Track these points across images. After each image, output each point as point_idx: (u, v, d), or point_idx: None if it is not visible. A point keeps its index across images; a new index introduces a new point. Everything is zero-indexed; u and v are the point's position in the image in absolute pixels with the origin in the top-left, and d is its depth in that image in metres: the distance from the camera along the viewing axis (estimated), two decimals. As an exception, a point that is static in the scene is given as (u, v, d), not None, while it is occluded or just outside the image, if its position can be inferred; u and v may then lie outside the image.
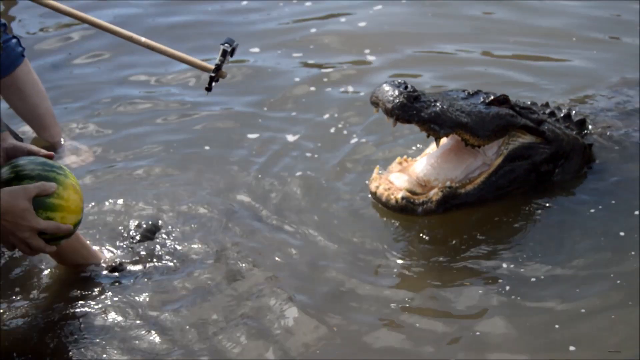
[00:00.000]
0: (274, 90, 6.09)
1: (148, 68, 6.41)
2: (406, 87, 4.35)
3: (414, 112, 4.34)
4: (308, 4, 7.71)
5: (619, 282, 4.07)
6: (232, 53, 3.95)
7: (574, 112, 5.11)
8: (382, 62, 6.52)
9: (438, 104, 4.41)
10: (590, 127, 5.09)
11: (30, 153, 3.38)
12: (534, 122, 4.75)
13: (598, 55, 6.69)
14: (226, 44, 3.94)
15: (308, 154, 5.22)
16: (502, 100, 4.68)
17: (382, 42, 6.86)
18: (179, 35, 7.03)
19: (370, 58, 6.65)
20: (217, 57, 3.94)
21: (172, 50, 3.98)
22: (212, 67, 3.96)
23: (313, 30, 7.10)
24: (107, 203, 4.58)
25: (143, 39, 3.96)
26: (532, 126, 4.73)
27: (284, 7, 7.63)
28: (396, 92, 4.33)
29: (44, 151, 3.41)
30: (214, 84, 3.98)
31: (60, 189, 3.25)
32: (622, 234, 4.41)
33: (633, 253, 4.25)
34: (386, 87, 4.37)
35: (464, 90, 4.74)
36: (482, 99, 4.65)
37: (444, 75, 6.28)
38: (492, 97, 4.65)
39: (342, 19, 7.29)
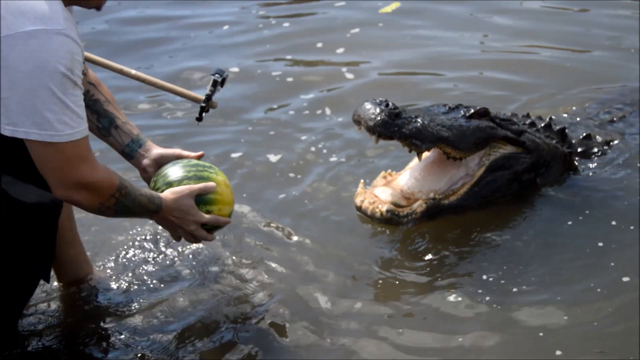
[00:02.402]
0: (255, 112, 6.31)
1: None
2: (387, 105, 4.56)
3: (395, 128, 4.55)
4: (286, 24, 7.93)
5: (599, 290, 4.23)
6: (222, 83, 4.11)
7: (554, 122, 5.31)
8: (362, 82, 6.76)
9: (419, 120, 4.62)
10: (570, 136, 5.29)
11: (180, 157, 3.82)
12: (514, 133, 4.96)
13: (576, 62, 6.96)
14: (216, 75, 4.09)
15: (291, 174, 5.41)
16: (482, 113, 4.88)
17: (360, 64, 7.10)
18: (149, 52, 7.27)
19: (349, 75, 6.89)
20: (208, 88, 4.09)
21: (163, 82, 4.13)
22: (203, 97, 4.10)
23: (289, 56, 7.32)
24: (103, 221, 4.77)
25: (133, 72, 4.10)
26: (513, 137, 4.94)
27: (263, 28, 7.86)
28: (377, 110, 4.54)
29: (192, 154, 3.86)
30: (204, 114, 4.13)
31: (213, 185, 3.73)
32: (600, 244, 4.59)
33: (612, 264, 4.42)
34: (368, 106, 4.58)
35: (444, 105, 4.95)
36: (462, 113, 4.86)
37: (425, 90, 6.55)
38: (472, 111, 4.86)
39: (319, 44, 7.51)
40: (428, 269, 4.45)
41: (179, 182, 3.67)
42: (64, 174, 3.13)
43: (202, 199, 3.67)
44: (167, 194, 3.60)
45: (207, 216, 3.65)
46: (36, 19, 2.92)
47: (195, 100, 4.14)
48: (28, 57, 2.92)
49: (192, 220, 3.62)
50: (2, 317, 3.42)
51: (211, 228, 3.75)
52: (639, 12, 7.80)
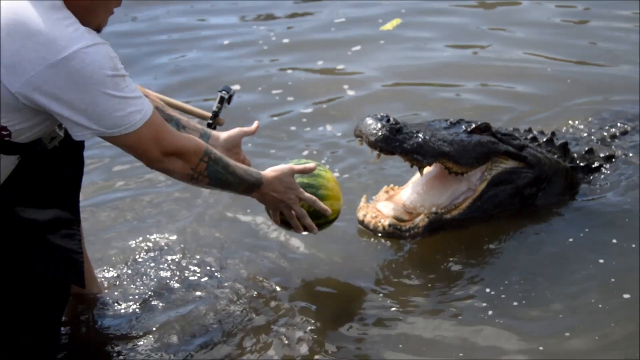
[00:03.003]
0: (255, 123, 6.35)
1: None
2: (388, 120, 4.62)
3: (396, 143, 4.61)
4: (285, 40, 8.01)
5: (600, 306, 4.25)
6: (229, 100, 4.19)
7: (555, 136, 5.36)
8: (361, 99, 6.82)
9: (420, 135, 4.67)
10: (572, 150, 5.34)
11: (243, 134, 4.12)
12: (515, 148, 5.02)
13: (574, 80, 7.01)
14: (223, 91, 4.17)
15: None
16: (484, 128, 4.93)
17: (362, 74, 7.19)
18: (150, 65, 7.37)
19: (351, 86, 6.95)
20: (215, 104, 4.16)
21: (169, 99, 4.17)
22: (210, 114, 4.17)
23: (290, 71, 7.39)
24: (108, 231, 4.85)
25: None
26: (514, 152, 5.00)
27: (263, 44, 7.93)
28: (379, 125, 4.59)
29: (250, 128, 4.15)
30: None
31: (324, 181, 4.02)
32: (601, 261, 4.61)
33: (613, 280, 4.45)
34: (369, 121, 4.64)
35: (446, 120, 5.01)
36: (463, 128, 4.92)
37: (425, 107, 6.59)
38: (473, 126, 4.92)
39: (320, 61, 7.58)
40: (430, 285, 4.46)
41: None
42: (152, 150, 3.35)
43: (315, 196, 3.92)
44: (268, 171, 3.84)
45: (306, 194, 3.89)
46: (67, 42, 3.09)
47: (202, 117, 4.19)
48: (75, 78, 3.10)
49: (293, 191, 3.86)
50: (39, 330, 3.50)
51: (315, 217, 3.94)
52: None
